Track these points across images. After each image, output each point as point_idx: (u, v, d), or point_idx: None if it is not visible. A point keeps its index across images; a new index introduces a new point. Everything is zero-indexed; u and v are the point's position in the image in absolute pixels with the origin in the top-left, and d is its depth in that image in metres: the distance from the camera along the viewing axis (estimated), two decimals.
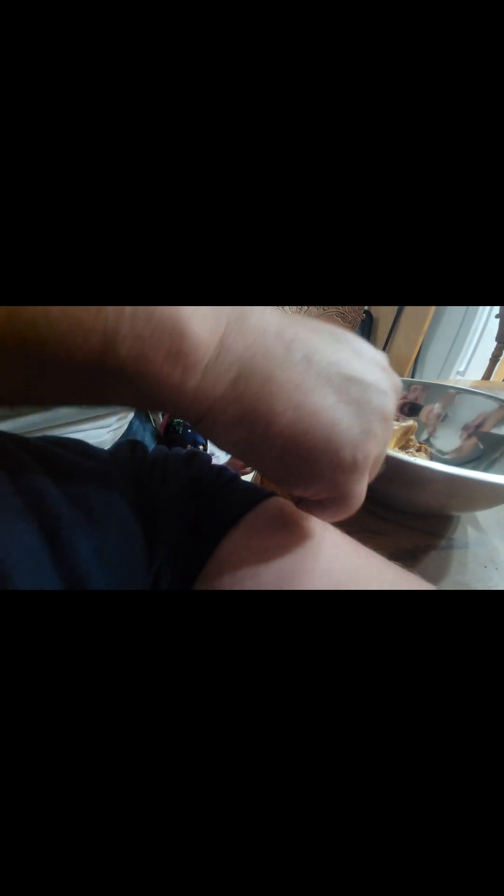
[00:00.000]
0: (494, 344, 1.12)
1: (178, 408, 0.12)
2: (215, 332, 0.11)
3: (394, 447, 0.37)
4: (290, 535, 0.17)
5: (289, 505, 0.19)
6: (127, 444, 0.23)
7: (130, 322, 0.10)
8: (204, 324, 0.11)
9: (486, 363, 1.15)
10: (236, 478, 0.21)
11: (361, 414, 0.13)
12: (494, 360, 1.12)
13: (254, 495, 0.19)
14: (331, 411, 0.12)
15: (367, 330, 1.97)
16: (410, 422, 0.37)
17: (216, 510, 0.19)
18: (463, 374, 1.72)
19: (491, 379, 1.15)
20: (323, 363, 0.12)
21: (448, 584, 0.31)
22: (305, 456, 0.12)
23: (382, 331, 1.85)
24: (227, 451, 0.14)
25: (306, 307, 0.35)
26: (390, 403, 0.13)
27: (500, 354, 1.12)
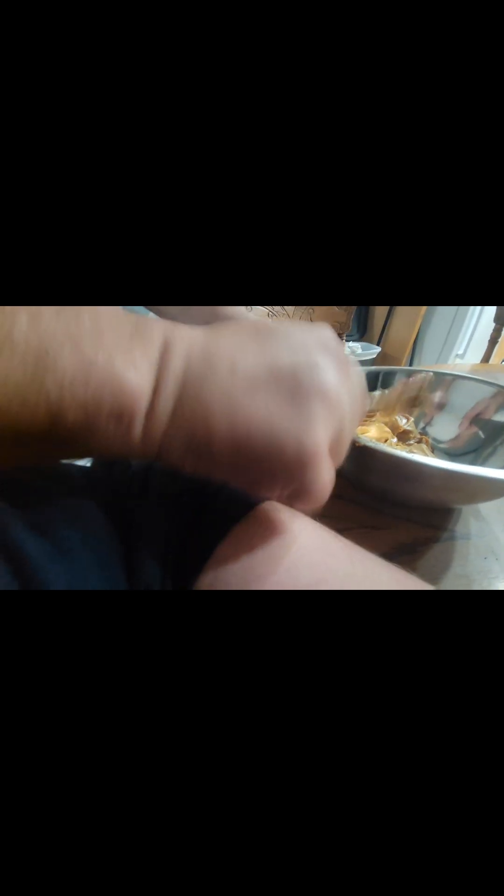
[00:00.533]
0: (493, 325, 1.09)
1: (130, 455, 0.12)
2: (150, 375, 0.11)
3: (395, 414, 0.36)
4: (268, 544, 0.17)
5: (277, 510, 0.18)
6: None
7: (70, 391, 0.10)
8: (138, 371, 0.11)
9: (485, 345, 1.12)
10: (225, 486, 0.20)
11: (295, 402, 0.12)
12: (493, 341, 1.10)
13: (243, 504, 0.18)
14: (263, 410, 0.12)
15: (363, 316, 1.93)
16: (400, 388, 0.36)
17: (205, 524, 0.18)
18: (462, 356, 1.69)
19: (490, 361, 1.13)
20: (248, 365, 0.12)
21: (449, 577, 0.30)
22: (255, 460, 0.12)
23: (379, 316, 1.81)
24: (189, 474, 0.14)
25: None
26: (328, 376, 0.13)
27: (499, 336, 1.09)
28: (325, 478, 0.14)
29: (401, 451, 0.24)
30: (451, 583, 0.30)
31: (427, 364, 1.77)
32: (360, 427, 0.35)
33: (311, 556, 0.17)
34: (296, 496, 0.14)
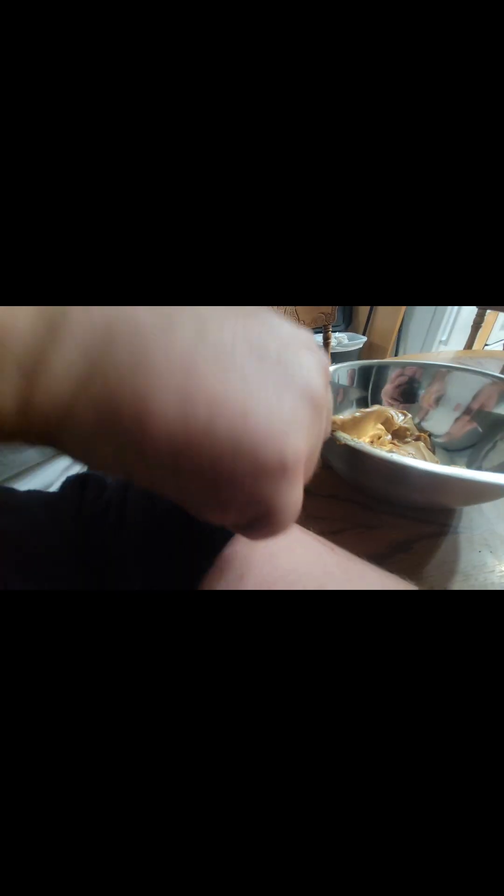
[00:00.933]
0: (476, 310, 1.10)
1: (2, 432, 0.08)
2: (41, 314, 0.07)
3: (366, 436, 0.35)
4: (259, 572, 0.15)
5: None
6: (77, 481, 0.19)
7: None
8: (18, 311, 0.07)
9: (468, 330, 1.13)
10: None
11: (282, 397, 0.09)
12: (476, 326, 1.10)
13: (226, 533, 0.17)
14: (240, 396, 0.08)
15: (348, 306, 1.91)
16: (376, 407, 0.35)
17: (187, 554, 0.16)
18: (446, 342, 1.70)
19: (473, 347, 1.13)
20: (225, 335, 0.09)
21: (444, 573, 0.30)
22: (210, 466, 0.08)
23: (364, 307, 1.80)
24: (106, 473, 0.11)
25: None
26: (318, 382, 0.10)
27: (482, 321, 1.09)
28: (298, 499, 0.10)
29: (389, 453, 0.23)
30: (447, 579, 0.30)
31: (412, 352, 1.78)
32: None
33: (306, 577, 0.16)
34: (256, 523, 0.10)
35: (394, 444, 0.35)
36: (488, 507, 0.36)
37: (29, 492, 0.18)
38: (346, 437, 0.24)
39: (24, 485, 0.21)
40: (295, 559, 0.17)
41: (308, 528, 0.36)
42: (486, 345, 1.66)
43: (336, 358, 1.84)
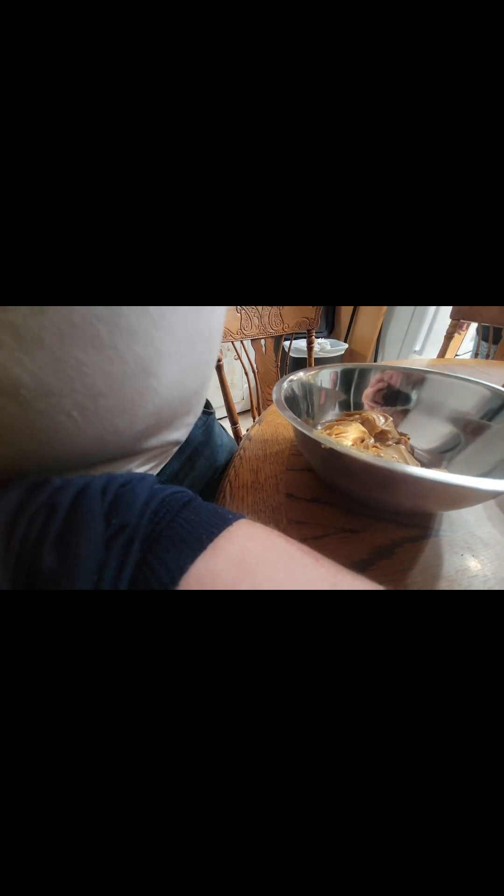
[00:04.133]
0: (449, 321, 1.11)
1: None
2: None
3: (348, 440, 0.33)
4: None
5: (235, 550, 0.15)
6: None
7: None
8: None
9: (441, 342, 1.14)
10: (173, 523, 0.15)
11: None
12: (449, 336, 1.12)
13: (193, 548, 0.14)
14: None
15: (330, 314, 1.93)
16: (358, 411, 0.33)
17: (149, 574, 0.14)
18: (420, 352, 1.74)
19: (446, 356, 1.15)
20: None
21: (428, 578, 0.28)
22: None
23: (345, 314, 1.82)
24: None
25: None
26: None
27: (455, 331, 1.11)
28: None
29: (370, 456, 0.21)
30: (431, 586, 0.28)
31: (389, 359, 1.81)
32: (337, 427, 0.33)
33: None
34: None
35: (376, 446, 0.34)
36: (466, 509, 0.35)
37: None
38: (331, 441, 0.22)
39: None
40: (276, 575, 0.14)
41: (291, 534, 0.34)
42: (456, 354, 1.70)
43: (319, 363, 1.84)
